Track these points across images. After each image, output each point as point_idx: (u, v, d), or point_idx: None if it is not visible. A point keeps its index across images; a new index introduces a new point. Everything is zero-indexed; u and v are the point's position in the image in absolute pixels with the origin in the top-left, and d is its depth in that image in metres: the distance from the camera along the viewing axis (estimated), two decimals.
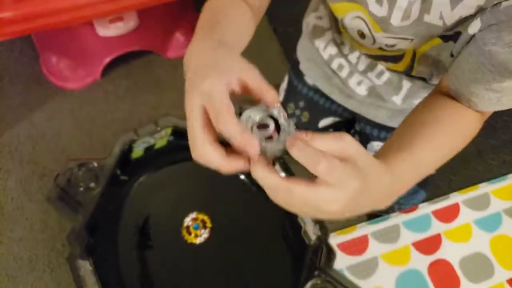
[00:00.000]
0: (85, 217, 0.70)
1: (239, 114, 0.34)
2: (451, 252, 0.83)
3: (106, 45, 0.96)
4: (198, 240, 0.75)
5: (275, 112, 0.35)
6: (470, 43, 0.44)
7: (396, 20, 0.51)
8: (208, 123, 0.34)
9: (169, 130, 0.83)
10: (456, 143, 0.49)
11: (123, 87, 1.02)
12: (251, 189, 0.81)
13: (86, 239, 0.68)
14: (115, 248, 0.74)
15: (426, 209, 0.87)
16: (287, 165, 0.77)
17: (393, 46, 0.57)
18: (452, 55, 0.51)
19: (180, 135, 0.83)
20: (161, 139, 0.85)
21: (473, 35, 0.43)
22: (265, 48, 1.09)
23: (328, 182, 0.32)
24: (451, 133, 0.48)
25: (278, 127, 0.35)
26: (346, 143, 0.33)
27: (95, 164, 0.75)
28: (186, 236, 0.76)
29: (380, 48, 0.61)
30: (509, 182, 0.92)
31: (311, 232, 0.71)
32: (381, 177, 0.38)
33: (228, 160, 0.34)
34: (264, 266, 0.73)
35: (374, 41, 0.60)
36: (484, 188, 0.91)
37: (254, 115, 0.35)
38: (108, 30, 0.89)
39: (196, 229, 0.77)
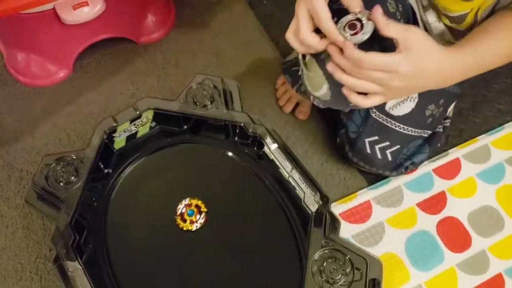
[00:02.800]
0: (68, 214, 0.65)
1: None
2: (458, 208, 0.80)
3: (74, 35, 0.90)
4: (194, 226, 0.71)
5: (360, 16, 0.50)
6: None
7: None
8: (311, 20, 0.52)
9: (150, 115, 0.78)
10: None
11: (97, 78, 0.96)
12: (242, 166, 0.77)
13: (72, 238, 0.63)
14: (105, 246, 0.68)
15: (426, 167, 0.84)
16: None
17: None
18: None
19: (163, 118, 0.78)
20: (143, 126, 0.80)
21: None
22: (241, 26, 1.04)
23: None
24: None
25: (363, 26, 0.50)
26: (406, 32, 0.48)
27: (74, 157, 0.70)
28: (182, 224, 0.71)
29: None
30: (508, 131, 0.89)
31: (312, 201, 0.67)
32: (441, 61, 0.51)
33: (321, 41, 0.52)
34: (266, 243, 0.69)
35: None
36: (483, 140, 0.88)
37: (346, 18, 0.51)
38: (73, 17, 0.83)
39: (191, 215, 0.72)
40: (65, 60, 0.95)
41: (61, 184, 0.67)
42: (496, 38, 0.54)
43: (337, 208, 0.79)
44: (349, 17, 0.51)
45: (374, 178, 0.83)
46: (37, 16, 0.83)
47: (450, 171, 0.84)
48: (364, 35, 0.50)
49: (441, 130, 0.78)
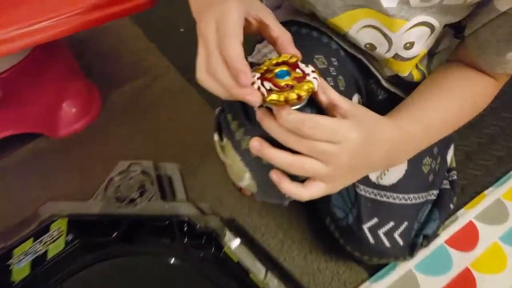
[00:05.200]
0: None
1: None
2: None
3: None
4: None
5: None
6: (499, 17, 0.43)
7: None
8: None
9: (62, 225, 0.56)
10: (468, 104, 0.49)
11: (4, 183, 0.74)
12: (197, 279, 0.55)
13: None
14: None
15: (437, 240, 0.65)
16: None
17: (411, 45, 0.49)
18: (459, 35, 0.51)
19: (81, 227, 0.57)
20: (54, 242, 0.58)
21: (503, 12, 0.42)
22: (182, 103, 0.88)
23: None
24: (462, 94, 0.49)
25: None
26: (348, 101, 0.38)
27: None
28: None
29: (394, 56, 0.51)
30: None
31: None
32: (387, 129, 0.42)
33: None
34: None
35: (390, 47, 0.50)
36: (492, 194, 0.71)
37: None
38: None
39: None
40: None
41: None
42: (442, 96, 0.48)
43: None
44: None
45: (375, 265, 0.63)
46: None
47: (467, 240, 0.66)
48: (300, 102, 0.37)
49: (447, 186, 0.61)
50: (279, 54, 0.39)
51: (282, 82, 0.36)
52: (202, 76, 0.36)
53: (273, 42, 0.39)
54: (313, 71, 0.37)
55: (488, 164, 0.77)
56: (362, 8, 0.47)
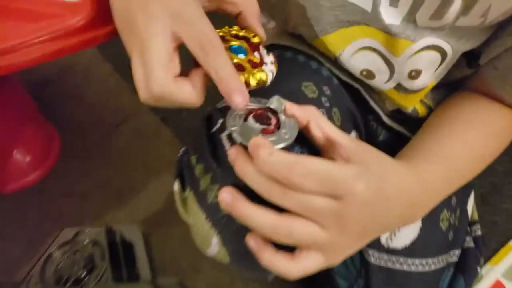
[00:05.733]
0: None
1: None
2: None
3: None
4: None
5: (275, 104, 0.30)
6: None
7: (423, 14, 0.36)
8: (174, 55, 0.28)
9: None
10: (492, 140, 0.42)
11: None
12: None
13: None
14: None
15: None
16: None
17: (417, 74, 0.40)
18: (472, 64, 0.42)
19: None
20: None
21: None
22: (152, 147, 0.78)
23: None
24: (485, 128, 0.41)
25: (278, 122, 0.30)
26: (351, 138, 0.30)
27: None
28: None
29: (396, 87, 0.43)
30: None
31: None
32: (403, 176, 0.32)
33: (200, 92, 0.28)
34: None
35: (391, 75, 0.41)
36: None
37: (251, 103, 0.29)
38: None
39: None
40: None
41: None
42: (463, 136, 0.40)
43: None
44: (253, 105, 0.30)
45: None
46: None
47: None
48: (285, 138, 0.28)
49: (471, 244, 0.50)
50: (242, 28, 0.32)
51: (235, 59, 0.29)
52: (152, 96, 0.28)
53: (235, 14, 0.32)
54: (272, 63, 0.31)
55: (508, 207, 0.67)
56: (358, 25, 0.39)
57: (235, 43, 0.30)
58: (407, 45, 0.38)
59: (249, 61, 0.29)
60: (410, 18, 0.36)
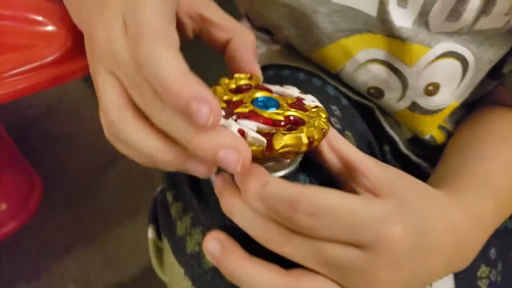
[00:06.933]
0: None
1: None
2: None
3: None
4: None
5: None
6: None
7: (436, 15, 0.32)
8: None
9: None
10: None
11: None
12: None
13: None
14: None
15: None
16: None
17: (436, 89, 0.36)
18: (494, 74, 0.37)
19: None
20: None
21: None
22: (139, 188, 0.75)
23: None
24: None
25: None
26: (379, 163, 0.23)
27: None
28: None
29: (411, 107, 0.38)
30: None
31: None
32: (450, 214, 0.26)
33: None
34: None
35: (404, 91, 0.36)
36: None
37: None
38: None
39: None
40: None
41: None
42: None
43: None
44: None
45: None
46: None
47: None
48: (287, 163, 0.22)
49: None
50: (231, 71, 0.25)
51: (277, 115, 0.21)
52: (115, 137, 0.20)
53: (220, 48, 0.26)
54: (300, 92, 0.24)
55: None
56: (361, 33, 0.34)
57: (258, 94, 0.23)
58: (421, 52, 0.33)
59: (289, 106, 0.22)
60: (422, 20, 0.32)
